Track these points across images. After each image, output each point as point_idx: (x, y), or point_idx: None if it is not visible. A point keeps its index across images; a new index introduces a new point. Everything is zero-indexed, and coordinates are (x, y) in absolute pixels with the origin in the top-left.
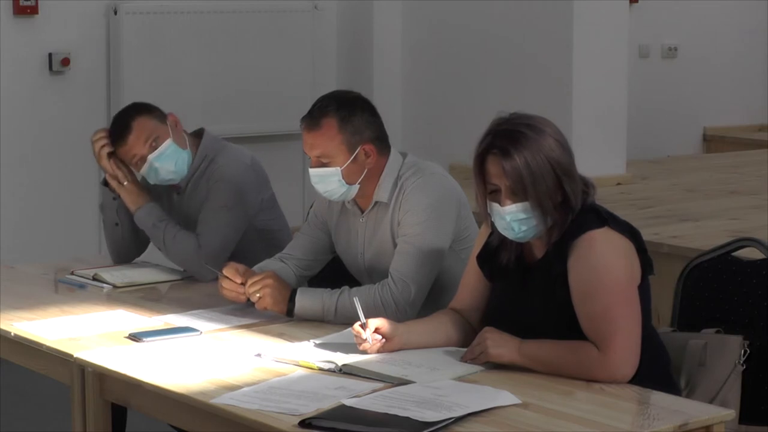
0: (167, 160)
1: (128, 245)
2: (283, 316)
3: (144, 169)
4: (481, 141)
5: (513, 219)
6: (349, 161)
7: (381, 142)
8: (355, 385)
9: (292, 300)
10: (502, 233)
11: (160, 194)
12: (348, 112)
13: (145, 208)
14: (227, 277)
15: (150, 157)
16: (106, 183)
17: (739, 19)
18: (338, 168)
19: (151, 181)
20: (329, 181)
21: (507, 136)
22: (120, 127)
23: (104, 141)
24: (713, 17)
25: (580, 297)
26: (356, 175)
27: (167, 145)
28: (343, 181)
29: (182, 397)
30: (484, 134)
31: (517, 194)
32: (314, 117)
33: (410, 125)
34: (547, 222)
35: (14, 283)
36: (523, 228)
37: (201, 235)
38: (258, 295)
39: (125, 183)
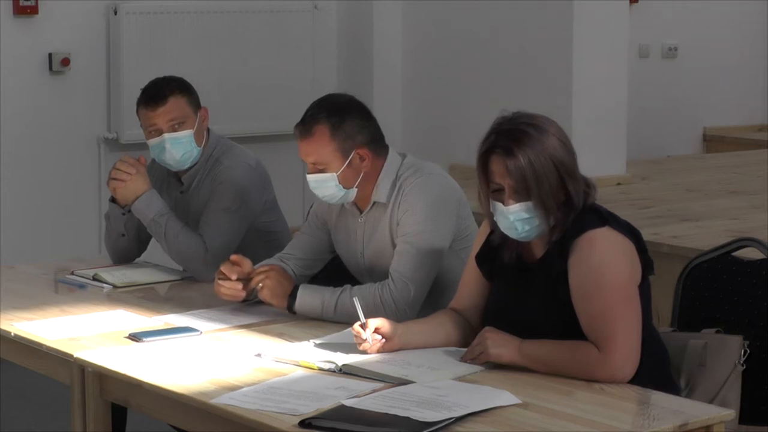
0: (178, 148)
1: (130, 250)
2: (283, 316)
3: (154, 141)
4: (485, 140)
5: (516, 218)
6: (344, 166)
7: (376, 144)
8: (355, 385)
9: (293, 295)
10: (505, 232)
11: (161, 189)
12: (339, 119)
13: (144, 199)
14: (225, 275)
15: (166, 135)
16: (114, 200)
17: (739, 19)
18: (334, 173)
19: (153, 154)
20: (326, 187)
21: (510, 135)
22: (155, 94)
23: (119, 183)
24: (713, 17)
25: (580, 297)
26: (353, 179)
27: (187, 134)
28: (340, 185)
29: (182, 397)
30: (487, 133)
31: (521, 194)
32: (306, 125)
33: (410, 125)
34: (549, 221)
35: (14, 283)
36: (527, 227)
37: (203, 235)
38: (260, 285)
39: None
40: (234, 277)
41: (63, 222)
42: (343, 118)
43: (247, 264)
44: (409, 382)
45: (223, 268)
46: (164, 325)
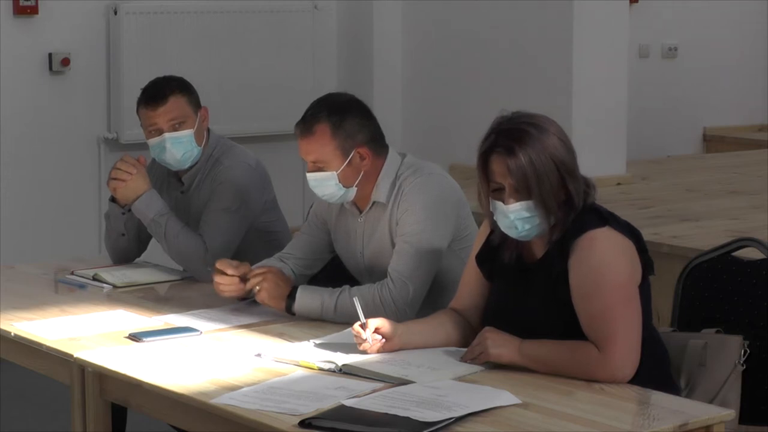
0: (178, 147)
1: (130, 250)
2: (283, 316)
3: (154, 141)
4: (485, 139)
5: (517, 217)
6: (345, 165)
7: (376, 143)
8: (355, 385)
9: (292, 296)
10: (505, 232)
11: (162, 189)
12: (340, 118)
13: (144, 198)
14: (221, 272)
15: (166, 135)
16: (113, 199)
17: (739, 19)
18: (334, 172)
19: (153, 154)
20: (326, 185)
21: (511, 134)
22: (156, 94)
23: (119, 183)
24: (713, 17)
25: (580, 296)
26: (353, 178)
27: (187, 134)
28: (340, 184)
29: (182, 397)
30: (488, 133)
31: (521, 193)
32: (307, 123)
33: (410, 125)
34: (550, 221)
35: (14, 283)
36: (527, 226)
37: (204, 235)
38: (257, 288)
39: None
40: (230, 272)
41: (63, 222)
42: (343, 117)
43: (244, 265)
44: (409, 382)
45: (218, 265)
46: (164, 325)
